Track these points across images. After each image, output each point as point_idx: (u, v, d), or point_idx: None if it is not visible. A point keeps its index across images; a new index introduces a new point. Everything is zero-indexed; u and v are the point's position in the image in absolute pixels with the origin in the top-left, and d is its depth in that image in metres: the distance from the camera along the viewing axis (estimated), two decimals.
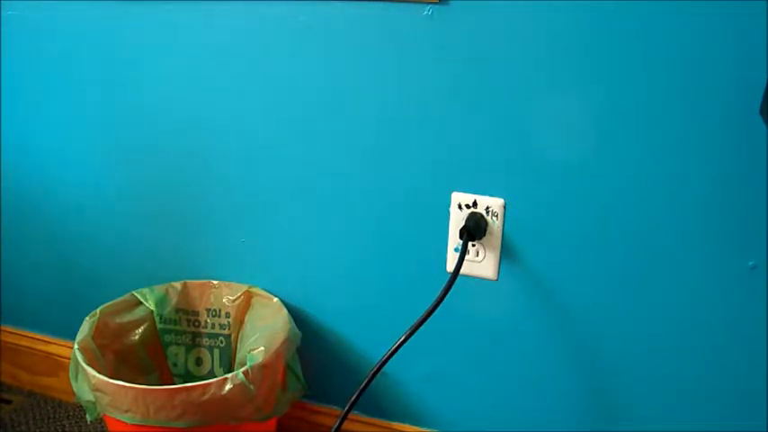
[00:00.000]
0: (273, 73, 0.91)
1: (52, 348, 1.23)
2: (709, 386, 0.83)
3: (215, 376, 0.97)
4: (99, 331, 0.96)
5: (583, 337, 0.88)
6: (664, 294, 0.82)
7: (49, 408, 1.22)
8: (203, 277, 1.06)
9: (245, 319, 1.03)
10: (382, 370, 0.82)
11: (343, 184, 0.92)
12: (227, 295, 1.05)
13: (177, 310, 1.05)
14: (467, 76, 0.82)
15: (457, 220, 0.88)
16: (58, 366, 1.22)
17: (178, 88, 0.97)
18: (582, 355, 0.89)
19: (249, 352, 0.90)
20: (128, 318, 1.02)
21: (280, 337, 0.92)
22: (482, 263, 0.89)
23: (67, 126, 1.06)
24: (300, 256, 0.99)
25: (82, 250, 1.14)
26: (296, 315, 1.00)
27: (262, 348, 0.90)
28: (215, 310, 1.06)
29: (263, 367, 0.86)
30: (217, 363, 1.07)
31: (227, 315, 1.05)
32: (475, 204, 0.86)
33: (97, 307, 0.98)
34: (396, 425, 1.03)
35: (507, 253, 0.87)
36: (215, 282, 1.05)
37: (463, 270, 0.87)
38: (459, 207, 0.87)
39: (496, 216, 0.86)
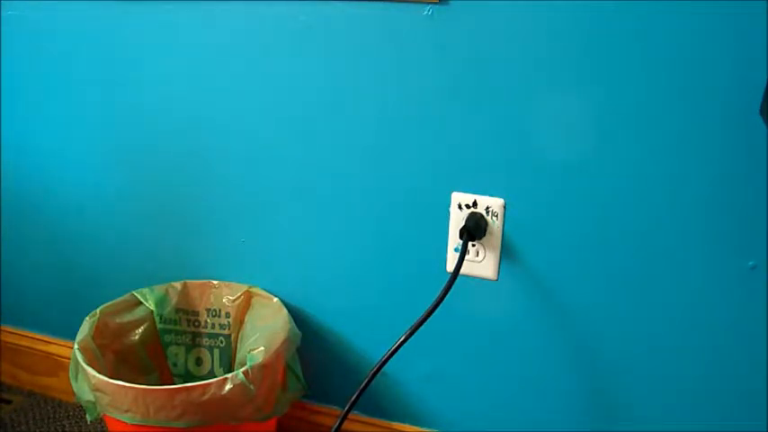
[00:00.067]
0: (273, 73, 0.91)
1: (52, 348, 1.23)
2: (709, 386, 0.83)
3: (215, 376, 0.97)
4: (99, 331, 0.96)
5: (583, 337, 0.88)
6: (664, 294, 0.82)
7: (49, 408, 1.22)
8: (203, 277, 1.06)
9: (245, 319, 1.03)
10: (382, 370, 0.82)
11: (343, 184, 0.92)
12: (227, 295, 1.05)
13: (177, 310, 1.05)
14: (467, 76, 0.82)
15: (457, 220, 0.88)
16: (58, 366, 1.22)
17: (178, 88, 0.97)
18: (582, 355, 0.89)
19: (249, 352, 0.90)
20: (128, 318, 1.02)
21: (280, 337, 0.92)
22: (482, 263, 0.89)
23: (67, 126, 1.06)
24: (300, 256, 0.99)
25: (82, 250, 1.14)
26: (296, 315, 1.00)
27: (262, 348, 0.90)
28: (215, 310, 1.06)
29: (263, 367, 0.86)
30: (217, 363, 1.07)
31: (227, 315, 1.05)
32: (475, 204, 0.86)
33: (97, 307, 0.98)
34: (396, 425, 1.03)
35: (507, 253, 0.87)
36: (215, 282, 1.05)
37: (463, 270, 0.87)
38: (459, 207, 0.87)
39: (496, 216, 0.86)
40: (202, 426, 0.84)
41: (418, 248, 0.92)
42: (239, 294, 1.03)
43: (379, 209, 0.92)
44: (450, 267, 0.90)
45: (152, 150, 1.02)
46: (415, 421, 1.02)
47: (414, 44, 0.83)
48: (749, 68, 0.70)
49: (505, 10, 0.77)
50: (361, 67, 0.86)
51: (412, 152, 0.87)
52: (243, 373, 0.83)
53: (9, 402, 1.23)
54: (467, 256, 0.88)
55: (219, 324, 1.06)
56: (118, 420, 0.85)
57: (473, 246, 0.88)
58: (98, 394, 0.84)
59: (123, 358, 1.00)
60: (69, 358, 1.10)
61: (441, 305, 0.82)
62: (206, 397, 0.82)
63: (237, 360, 1.03)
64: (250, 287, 1.03)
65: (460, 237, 0.85)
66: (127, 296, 1.03)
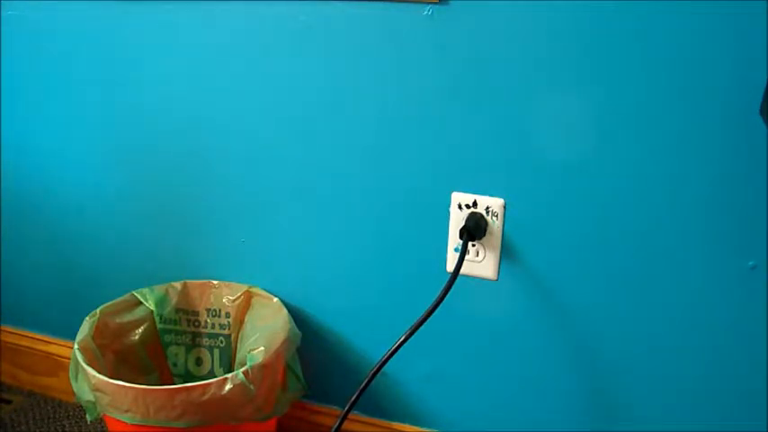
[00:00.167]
0: (273, 73, 0.91)
1: (52, 348, 1.23)
2: (709, 386, 0.83)
3: (215, 376, 0.97)
4: (99, 331, 0.96)
5: (583, 337, 0.88)
6: (664, 294, 0.82)
7: (49, 408, 1.22)
8: (203, 277, 1.06)
9: (245, 319, 1.03)
10: (382, 370, 0.82)
11: (343, 184, 0.92)
12: (227, 295, 1.05)
13: (177, 310, 1.05)
14: (467, 76, 0.82)
15: (457, 220, 0.88)
16: (58, 366, 1.22)
17: (178, 88, 0.97)
18: (582, 355, 0.89)
19: (249, 352, 0.90)
20: (128, 318, 1.02)
21: (280, 337, 0.92)
22: (482, 263, 0.89)
23: (67, 126, 1.06)
24: (300, 256, 0.99)
25: (82, 250, 1.14)
26: (296, 315, 1.00)
27: (262, 348, 0.90)
28: (215, 310, 1.06)
29: (263, 367, 0.86)
30: (217, 363, 1.07)
31: (227, 315, 1.05)
32: (475, 204, 0.86)
33: (97, 307, 0.98)
34: (396, 425, 1.03)
35: (507, 253, 0.87)
36: (215, 282, 1.05)
37: (463, 270, 0.87)
38: (459, 207, 0.87)
39: (496, 216, 0.86)
40: (202, 426, 0.84)
41: (418, 248, 0.92)
42: (239, 294, 1.03)
43: (379, 209, 0.92)
44: (450, 267, 0.90)
45: (152, 150, 1.02)
46: (415, 421, 1.02)
47: (414, 44, 0.83)
48: (749, 68, 0.70)
49: (505, 10, 0.77)
50: (361, 67, 0.86)
51: (412, 152, 0.87)
52: (243, 373, 0.83)
53: (9, 402, 1.23)
54: (467, 256, 0.88)
55: (219, 324, 1.06)
56: (118, 420, 0.85)
57: (473, 246, 0.88)
58: (98, 394, 0.84)
59: (123, 358, 1.00)
60: (69, 358, 1.10)
61: (441, 305, 0.82)
62: (206, 397, 0.82)
63: (237, 360, 1.03)
64: (250, 287, 1.03)
65: (460, 237, 0.85)
66: (127, 296, 1.03)
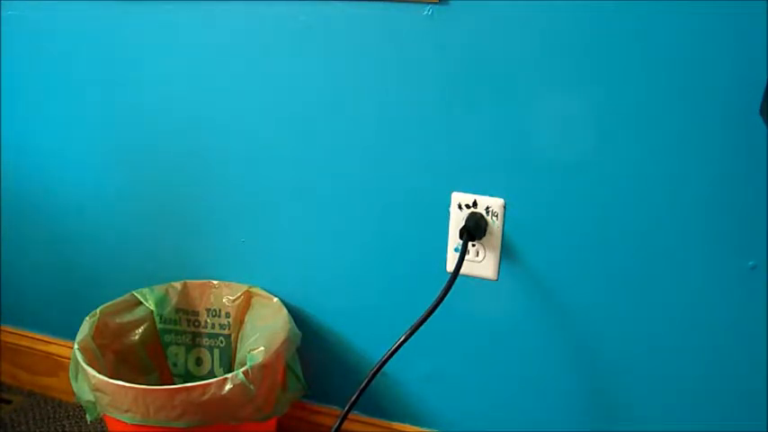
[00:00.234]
0: (273, 73, 0.91)
1: (52, 348, 1.23)
2: (709, 386, 0.83)
3: (215, 376, 0.97)
4: (99, 331, 0.96)
5: (583, 337, 0.88)
6: (664, 294, 0.82)
7: (49, 408, 1.22)
8: (203, 277, 1.06)
9: (245, 319, 1.03)
10: (382, 370, 0.82)
11: (343, 184, 0.92)
12: (227, 295, 1.05)
13: (177, 310, 1.05)
14: (467, 76, 0.82)
15: (457, 220, 0.88)
16: (58, 366, 1.22)
17: (178, 88, 0.97)
18: (582, 355, 0.89)
19: (249, 352, 0.90)
20: (128, 318, 1.02)
21: (280, 337, 0.92)
22: (482, 263, 0.89)
23: (67, 126, 1.06)
24: (300, 256, 0.99)
25: (82, 250, 1.14)
26: (296, 315, 1.00)
27: (262, 348, 0.90)
28: (215, 310, 1.06)
29: (263, 367, 0.86)
30: (217, 363, 1.07)
31: (227, 315, 1.05)
32: (475, 204, 0.86)
33: (97, 307, 0.98)
34: (396, 425, 1.03)
35: (507, 253, 0.87)
36: (215, 282, 1.05)
37: (463, 270, 0.87)
38: (459, 207, 0.87)
39: (496, 216, 0.86)
40: (202, 426, 0.84)
41: (418, 248, 0.92)
42: (239, 294, 1.03)
43: (379, 209, 0.92)
44: (451, 267, 0.90)
45: (152, 150, 1.02)
46: (415, 421, 1.02)
47: (414, 44, 0.83)
48: (749, 68, 0.70)
49: (505, 10, 0.77)
50: (361, 67, 0.86)
51: (412, 152, 0.87)
52: (243, 373, 0.83)
53: (9, 402, 1.23)
54: (467, 256, 0.88)
55: (219, 324, 1.06)
56: (118, 420, 0.85)
57: (473, 246, 0.88)
58: (98, 394, 0.84)
59: (123, 358, 1.00)
60: (69, 358, 1.10)
61: (441, 305, 0.82)
62: (206, 397, 0.82)
63: (237, 360, 1.03)
64: (250, 287, 1.03)
65: (460, 237, 0.85)
66: (127, 296, 1.03)
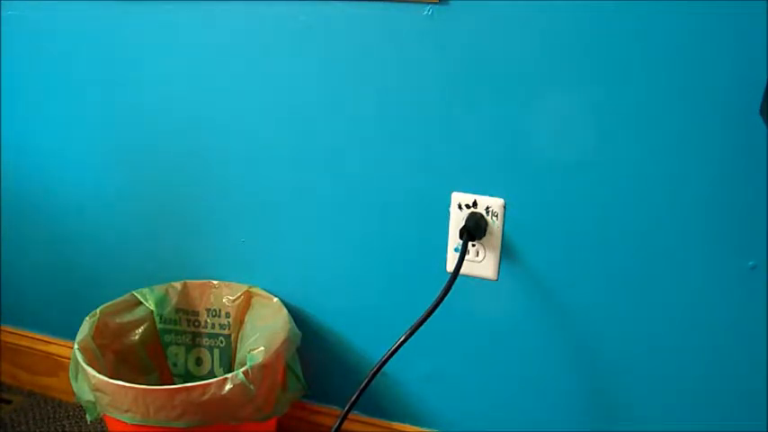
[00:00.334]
0: (273, 73, 0.91)
1: (52, 348, 1.23)
2: (709, 386, 0.83)
3: (215, 376, 0.97)
4: (99, 331, 0.96)
5: (583, 337, 0.88)
6: (664, 294, 0.82)
7: (49, 408, 1.22)
8: (203, 277, 1.06)
9: (245, 319, 1.03)
10: (382, 370, 0.82)
11: (343, 184, 0.92)
12: (227, 295, 1.05)
13: (177, 310, 1.05)
14: (467, 75, 0.82)
15: (457, 220, 0.88)
16: (58, 366, 1.22)
17: (178, 88, 0.97)
18: (582, 355, 0.89)
19: (249, 352, 0.90)
20: (128, 318, 1.02)
21: (280, 337, 0.92)
22: (482, 263, 0.89)
23: (67, 126, 1.06)
24: (300, 256, 0.99)
25: (82, 250, 1.14)
26: (296, 315, 1.00)
27: (262, 348, 0.90)
28: (215, 310, 1.06)
29: (263, 367, 0.86)
30: (217, 363, 1.07)
31: (227, 315, 1.05)
32: (475, 204, 0.86)
33: (97, 307, 0.98)
34: (396, 425, 1.03)
35: (507, 253, 0.87)
36: (215, 282, 1.05)
37: (463, 270, 0.87)
38: (459, 207, 0.87)
39: (496, 216, 0.86)
40: (202, 426, 0.84)
41: (418, 248, 0.92)
42: (239, 294, 1.03)
43: (379, 209, 0.92)
44: (451, 267, 0.90)
45: (152, 150, 1.02)
46: (415, 421, 1.02)
47: (414, 44, 0.83)
48: (749, 68, 0.70)
49: (505, 10, 0.77)
50: (360, 66, 0.86)
51: (412, 152, 0.87)
52: (243, 373, 0.83)
53: (9, 402, 1.23)
54: (467, 256, 0.88)
55: (219, 324, 1.06)
56: (118, 420, 0.85)
57: (473, 246, 0.88)
58: (98, 394, 0.84)
59: (123, 358, 1.00)
60: (69, 358, 1.10)
61: (441, 305, 0.82)
62: (206, 397, 0.82)
63: (237, 360, 1.03)
64: (250, 287, 1.03)
65: (460, 237, 0.85)
66: (127, 296, 1.03)
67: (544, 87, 0.79)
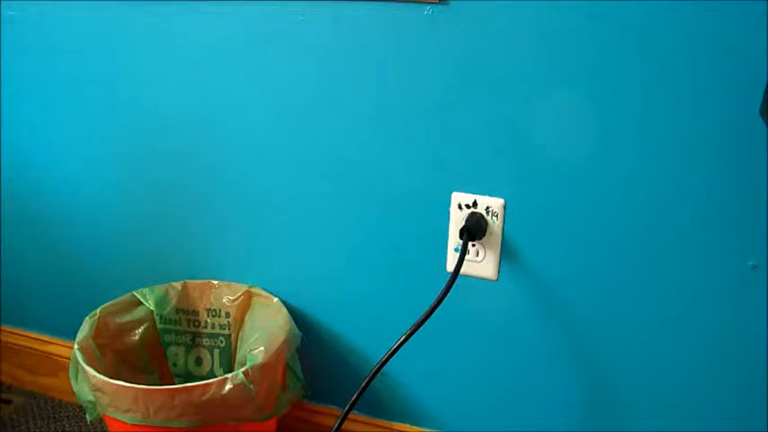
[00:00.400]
0: (273, 73, 0.91)
1: (52, 348, 1.23)
2: (709, 386, 0.83)
3: (215, 376, 0.97)
4: (99, 331, 0.96)
5: (583, 337, 0.88)
6: (664, 294, 0.82)
7: (49, 408, 1.22)
8: (203, 277, 1.06)
9: (245, 319, 1.03)
10: (382, 370, 0.82)
11: (342, 184, 0.92)
12: (227, 295, 1.05)
13: (177, 310, 1.05)
14: (467, 75, 0.82)
15: (457, 220, 0.88)
16: (58, 366, 1.22)
17: (178, 89, 0.97)
18: (582, 354, 0.89)
19: (249, 352, 0.90)
20: (128, 318, 1.02)
21: (280, 337, 0.92)
22: (482, 263, 0.89)
23: (67, 126, 1.06)
24: (300, 257, 0.99)
25: (82, 250, 1.14)
26: (296, 315, 1.00)
27: (262, 348, 0.90)
28: (215, 310, 1.06)
29: (263, 367, 0.86)
30: (217, 363, 1.07)
31: (227, 315, 1.05)
32: (475, 204, 0.86)
33: (97, 307, 0.98)
34: (396, 425, 1.03)
35: (507, 253, 0.87)
36: (215, 282, 1.05)
37: (463, 270, 0.87)
38: (459, 207, 0.87)
39: (496, 216, 0.86)
40: (202, 426, 0.84)
41: (418, 248, 0.91)
42: (239, 294, 1.03)
43: (379, 209, 0.92)
44: (451, 267, 0.90)
45: (152, 150, 1.02)
46: (415, 421, 1.02)
47: (414, 44, 0.83)
48: (749, 68, 0.70)
49: (505, 10, 0.77)
50: (360, 66, 0.86)
51: (412, 152, 0.87)
52: (243, 373, 0.83)
53: (9, 402, 1.23)
54: (467, 256, 0.88)
55: (219, 324, 1.06)
56: (118, 420, 0.85)
57: (473, 246, 0.88)
58: (98, 394, 0.84)
59: (123, 358, 1.00)
60: (69, 358, 1.09)
61: (441, 305, 0.82)
62: (206, 397, 0.82)
63: (237, 360, 1.03)
64: (250, 287, 1.03)
65: (460, 237, 0.85)
66: (127, 296, 1.03)
67: (544, 87, 0.79)
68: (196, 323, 1.07)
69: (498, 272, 0.89)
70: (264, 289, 1.02)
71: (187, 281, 1.06)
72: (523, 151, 0.82)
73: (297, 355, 0.96)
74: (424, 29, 0.81)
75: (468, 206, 0.87)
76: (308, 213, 0.96)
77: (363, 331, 1.00)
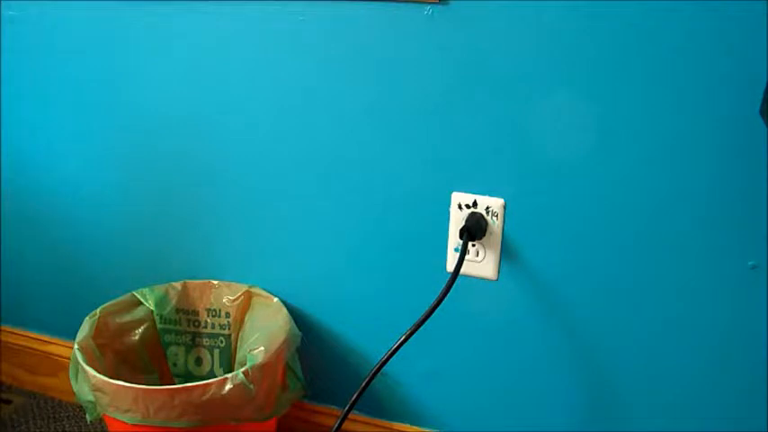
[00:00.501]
0: (272, 73, 0.91)
1: (52, 348, 1.23)
2: (708, 386, 0.83)
3: (215, 376, 0.97)
4: (99, 331, 0.96)
5: (583, 337, 0.88)
6: (664, 294, 0.82)
7: (49, 408, 1.22)
8: (203, 277, 1.06)
9: (245, 319, 1.03)
10: (382, 370, 0.82)
11: (342, 184, 0.92)
12: (227, 295, 1.05)
13: (177, 310, 1.05)
14: (467, 75, 0.82)
15: (457, 220, 0.88)
16: (58, 366, 1.22)
17: (178, 89, 0.97)
18: (582, 354, 0.89)
19: (249, 352, 0.90)
20: (128, 318, 1.02)
21: (280, 337, 0.92)
22: (482, 263, 0.89)
23: (67, 126, 1.06)
24: (300, 256, 0.99)
25: (82, 250, 1.14)
26: (296, 315, 1.00)
27: (262, 348, 0.90)
28: (215, 310, 1.06)
29: (263, 367, 0.86)
30: (217, 363, 1.07)
31: (227, 315, 1.05)
32: (475, 204, 0.86)
33: (97, 307, 0.98)
34: (396, 425, 1.03)
35: (507, 253, 0.87)
36: (215, 282, 1.05)
37: (463, 270, 0.87)
38: (459, 207, 0.87)
39: (496, 216, 0.86)
40: (202, 426, 0.84)
41: (418, 248, 0.91)
42: (239, 294, 1.03)
43: (379, 209, 0.92)
44: (451, 267, 0.90)
45: (152, 150, 1.02)
46: (415, 421, 1.02)
47: (414, 44, 0.83)
48: (749, 68, 0.70)
49: (505, 10, 0.77)
50: (360, 66, 0.86)
51: (412, 152, 0.87)
52: (243, 373, 0.83)
53: (9, 402, 1.23)
54: (467, 256, 0.88)
55: (219, 324, 1.06)
56: (118, 420, 0.85)
57: (473, 246, 0.88)
58: (98, 394, 0.84)
59: (123, 358, 1.00)
60: (69, 358, 1.10)
61: (441, 305, 0.82)
62: (206, 397, 0.82)
63: (237, 360, 1.03)
64: (250, 287, 1.03)
65: (460, 237, 0.85)
66: (127, 296, 1.03)
67: (544, 87, 0.79)
68: (196, 323, 1.07)
69: (498, 272, 0.89)
70: (264, 289, 1.02)
71: (187, 281, 1.06)
72: (523, 151, 0.82)
73: (297, 355, 0.96)
74: (424, 29, 0.81)
75: (468, 206, 0.87)
76: (308, 213, 0.96)
77: (363, 331, 1.00)
